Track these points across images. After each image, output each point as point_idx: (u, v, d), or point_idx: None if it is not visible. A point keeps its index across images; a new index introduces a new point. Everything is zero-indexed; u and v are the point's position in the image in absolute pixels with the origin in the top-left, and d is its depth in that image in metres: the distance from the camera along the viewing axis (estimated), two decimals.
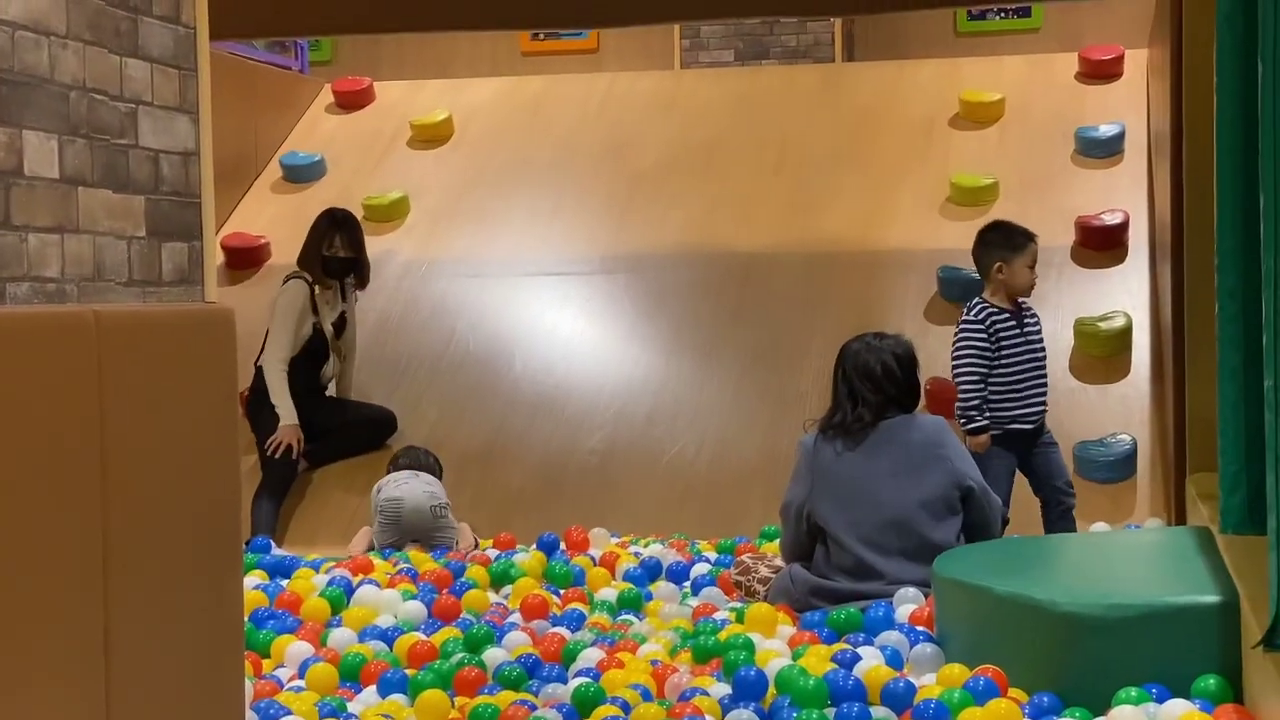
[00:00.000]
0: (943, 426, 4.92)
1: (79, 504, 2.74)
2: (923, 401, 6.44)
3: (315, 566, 5.65)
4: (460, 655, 4.28)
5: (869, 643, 4.31)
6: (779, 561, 5.10)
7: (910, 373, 4.93)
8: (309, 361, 6.70)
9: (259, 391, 6.60)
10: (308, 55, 10.52)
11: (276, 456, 6.46)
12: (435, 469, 6.31)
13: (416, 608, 4.87)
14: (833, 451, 4.82)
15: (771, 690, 3.90)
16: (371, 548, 6.01)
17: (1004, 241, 5.69)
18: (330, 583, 5.15)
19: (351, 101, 9.35)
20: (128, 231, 3.52)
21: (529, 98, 9.23)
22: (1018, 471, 5.66)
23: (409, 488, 6.03)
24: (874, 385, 4.83)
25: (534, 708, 3.82)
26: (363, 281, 6.98)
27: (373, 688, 4.15)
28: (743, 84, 9.21)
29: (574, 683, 3.99)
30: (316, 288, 6.73)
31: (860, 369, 4.86)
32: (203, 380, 3.15)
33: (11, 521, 2.56)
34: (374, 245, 7.43)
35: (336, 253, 6.81)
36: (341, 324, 6.89)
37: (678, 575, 5.45)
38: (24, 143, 3.22)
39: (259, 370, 6.63)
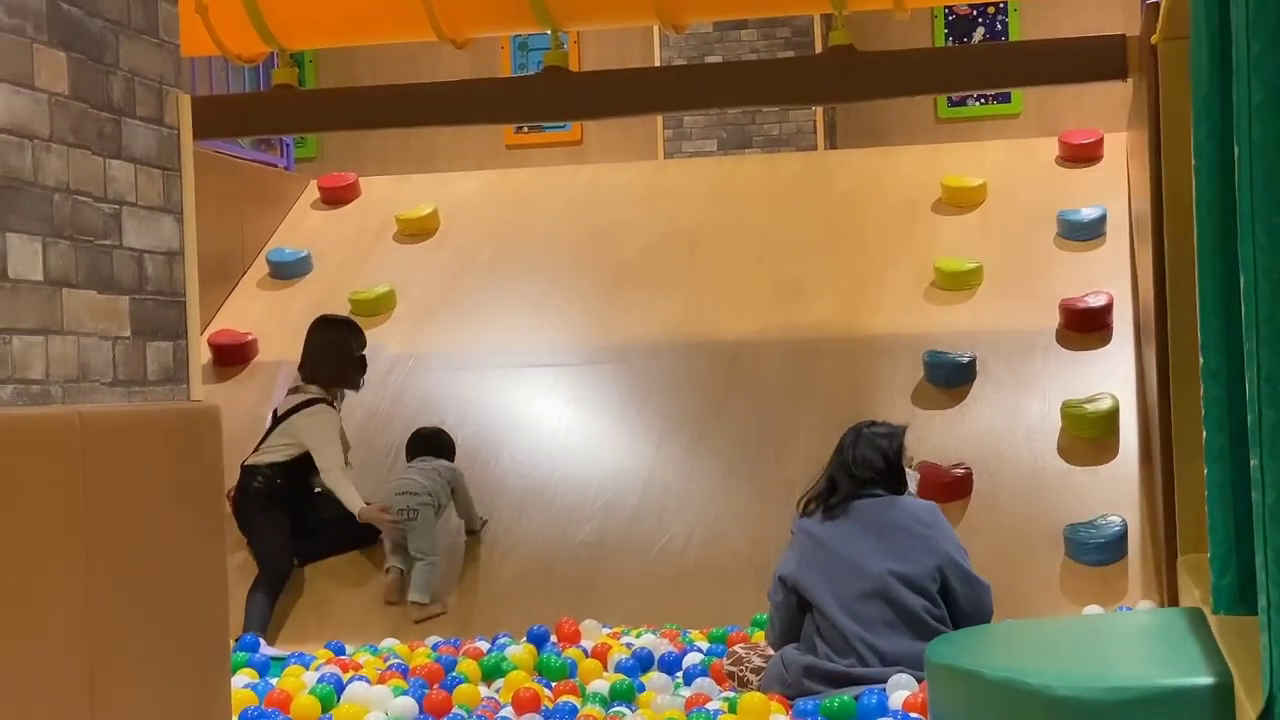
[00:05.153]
0: (932, 509, 4.95)
1: (64, 605, 2.72)
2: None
3: (305, 663, 5.61)
4: None
5: None
6: (771, 651, 5.08)
7: (890, 461, 4.98)
8: (311, 463, 6.70)
9: (246, 491, 6.61)
10: (293, 152, 10.57)
11: (401, 523, 6.54)
12: (441, 450, 6.80)
13: (407, 703, 4.83)
14: (816, 523, 4.93)
15: None
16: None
17: None
18: (320, 680, 5.11)
19: (337, 197, 9.39)
20: (112, 332, 3.52)
21: (514, 190, 9.27)
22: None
23: (398, 486, 6.61)
24: (848, 471, 4.96)
25: None
26: (360, 384, 7.12)
27: None
28: (726, 173, 9.26)
29: None
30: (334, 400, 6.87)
31: (840, 454, 5.02)
32: (189, 478, 3.14)
33: None
34: None
35: (359, 354, 7.02)
36: None
37: (670, 665, 5.42)
38: (8, 245, 3.23)
39: (246, 470, 6.64)
